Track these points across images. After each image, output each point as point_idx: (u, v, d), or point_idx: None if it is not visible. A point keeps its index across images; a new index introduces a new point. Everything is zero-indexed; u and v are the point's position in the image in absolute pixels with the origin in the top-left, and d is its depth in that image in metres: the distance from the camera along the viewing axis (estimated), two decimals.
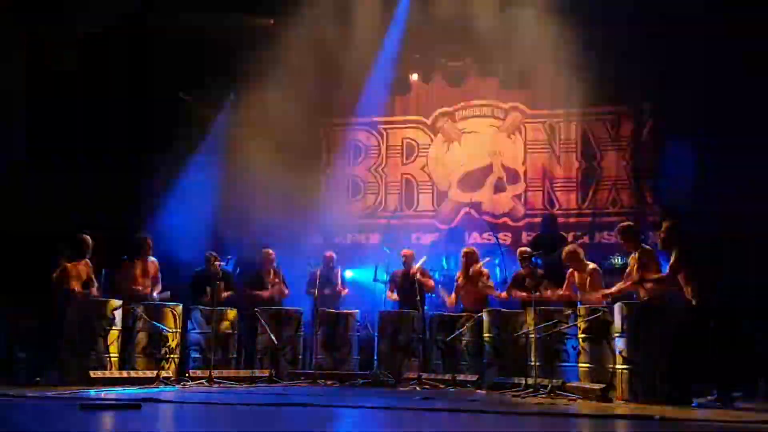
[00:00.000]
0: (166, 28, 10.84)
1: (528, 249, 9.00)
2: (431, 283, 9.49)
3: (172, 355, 8.30)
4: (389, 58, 11.58)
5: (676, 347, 6.84)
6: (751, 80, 9.43)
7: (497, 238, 10.95)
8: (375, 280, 10.15)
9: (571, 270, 8.30)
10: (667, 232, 7.08)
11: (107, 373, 7.79)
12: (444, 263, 10.91)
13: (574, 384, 7.43)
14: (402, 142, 12.41)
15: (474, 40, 10.99)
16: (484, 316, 8.50)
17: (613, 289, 7.65)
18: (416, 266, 9.35)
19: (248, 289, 9.56)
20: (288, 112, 11.22)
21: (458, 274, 9.30)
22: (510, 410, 6.04)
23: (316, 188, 11.95)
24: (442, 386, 8.18)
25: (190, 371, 8.35)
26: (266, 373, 8.54)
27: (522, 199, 11.84)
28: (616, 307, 7.21)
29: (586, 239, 10.92)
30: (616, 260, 9.33)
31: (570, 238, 10.57)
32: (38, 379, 7.79)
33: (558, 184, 11.72)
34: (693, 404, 6.63)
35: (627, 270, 7.63)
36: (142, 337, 8.26)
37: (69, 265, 8.21)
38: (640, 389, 6.87)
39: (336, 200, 11.88)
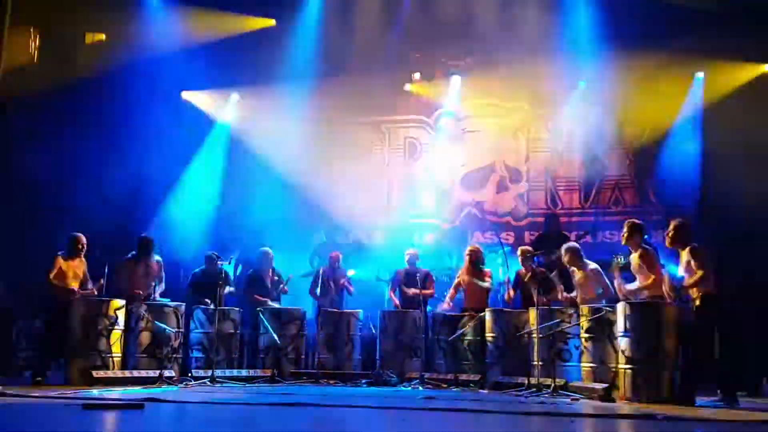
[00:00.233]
0: None
1: (530, 248, 9.00)
2: (430, 291, 9.45)
3: (174, 355, 8.30)
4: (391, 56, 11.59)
5: (680, 347, 6.83)
6: None
7: (499, 238, 10.93)
8: (377, 279, 10.14)
9: (572, 270, 8.27)
10: (676, 230, 7.06)
11: (110, 373, 7.80)
12: (449, 260, 10.90)
13: (577, 384, 7.42)
14: (404, 141, 12.40)
15: (476, 39, 10.98)
16: (487, 315, 8.50)
17: (634, 287, 7.37)
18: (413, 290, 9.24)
19: (250, 290, 9.50)
20: (291, 109, 11.26)
21: (461, 271, 9.25)
22: (512, 410, 6.03)
23: (318, 187, 11.95)
24: (445, 386, 8.18)
25: (193, 371, 8.35)
26: (268, 372, 8.54)
27: (524, 199, 11.83)
28: (619, 306, 7.19)
29: (588, 239, 10.90)
30: (620, 259, 9.30)
31: (572, 237, 10.55)
32: (40, 378, 7.79)
33: (561, 184, 11.71)
34: (696, 404, 6.61)
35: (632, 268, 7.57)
36: (144, 337, 8.26)
37: (64, 263, 8.20)
38: (643, 389, 6.86)
39: (341, 200, 11.87)
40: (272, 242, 10.38)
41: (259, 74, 11.42)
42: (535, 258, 8.69)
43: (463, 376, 8.31)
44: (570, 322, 7.74)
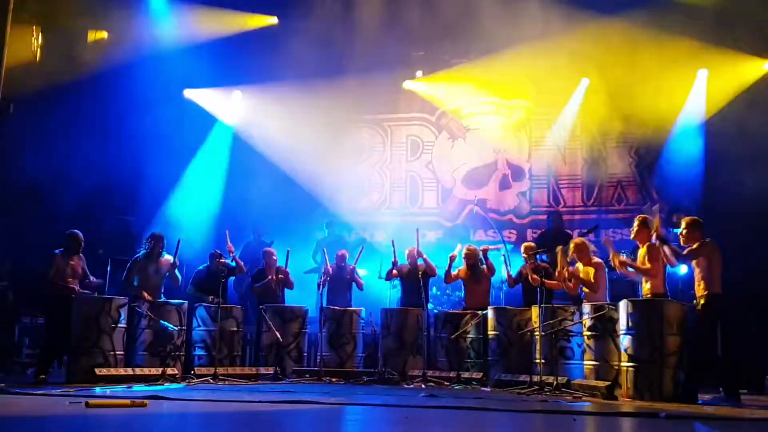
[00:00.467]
0: None
1: (533, 245, 8.99)
2: (433, 265, 9.39)
3: (177, 353, 8.30)
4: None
5: (683, 345, 6.83)
6: None
7: (502, 236, 10.92)
8: (380, 277, 10.12)
9: (577, 264, 8.26)
10: (689, 227, 7.06)
11: (113, 371, 7.80)
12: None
13: (580, 381, 7.42)
14: (406, 139, 12.40)
15: (478, 36, 10.96)
16: (489, 313, 8.50)
17: (629, 261, 7.59)
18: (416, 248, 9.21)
19: (253, 282, 9.46)
20: (293, 107, 11.26)
21: (460, 270, 9.23)
22: (515, 408, 6.03)
23: (321, 184, 11.95)
24: (447, 383, 8.17)
25: (196, 368, 8.36)
26: (271, 370, 8.55)
27: (527, 196, 11.82)
28: (621, 304, 7.20)
29: (591, 236, 10.87)
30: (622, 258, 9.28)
31: (575, 235, 10.53)
32: (43, 376, 7.80)
33: (563, 181, 11.70)
34: (699, 401, 6.61)
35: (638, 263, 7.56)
36: (147, 335, 8.27)
37: (63, 262, 8.21)
38: (646, 387, 6.86)
39: (343, 198, 11.87)
40: (275, 239, 10.40)
41: (262, 72, 11.43)
42: (537, 256, 8.68)
43: (466, 374, 8.30)
44: (572, 320, 7.74)
